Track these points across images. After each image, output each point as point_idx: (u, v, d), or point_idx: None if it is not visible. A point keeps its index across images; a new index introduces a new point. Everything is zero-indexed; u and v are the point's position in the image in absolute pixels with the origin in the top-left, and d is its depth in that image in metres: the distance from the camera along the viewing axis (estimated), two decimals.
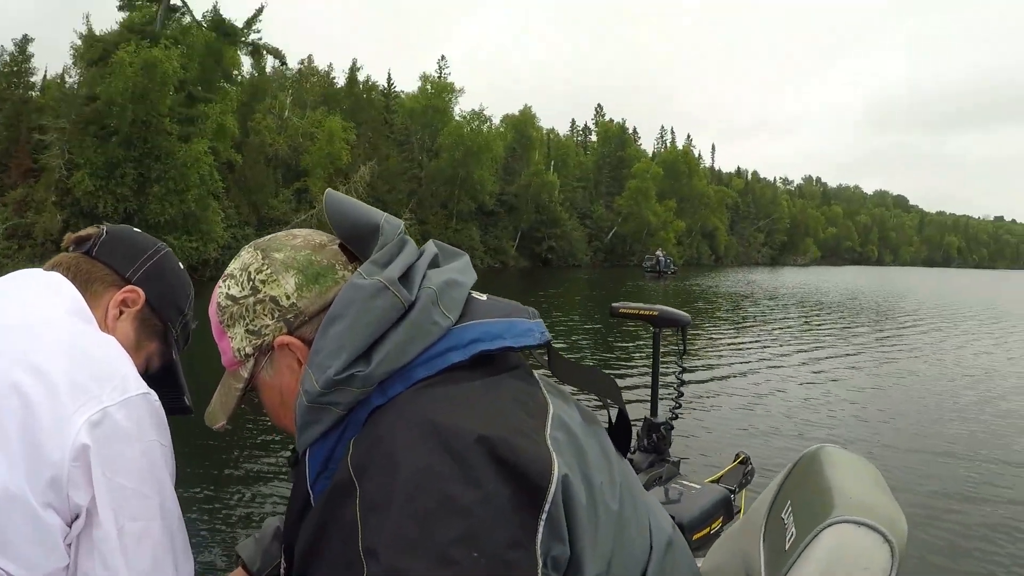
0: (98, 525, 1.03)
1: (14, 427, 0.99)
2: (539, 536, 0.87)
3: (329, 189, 1.21)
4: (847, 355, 15.80)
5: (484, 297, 1.15)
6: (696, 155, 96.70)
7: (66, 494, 1.00)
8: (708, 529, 3.03)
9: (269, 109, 44.63)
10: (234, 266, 1.16)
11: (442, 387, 0.99)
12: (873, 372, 13.89)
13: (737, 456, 4.03)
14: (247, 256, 1.16)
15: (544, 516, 0.88)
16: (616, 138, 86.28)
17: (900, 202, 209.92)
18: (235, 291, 1.13)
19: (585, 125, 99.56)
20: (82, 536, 1.03)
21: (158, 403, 1.16)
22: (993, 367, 14.85)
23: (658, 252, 54.41)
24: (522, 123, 68.30)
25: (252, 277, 1.12)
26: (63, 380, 1.05)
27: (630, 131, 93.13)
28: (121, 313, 1.37)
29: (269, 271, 1.11)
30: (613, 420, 1.25)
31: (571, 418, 1.04)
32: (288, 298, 1.09)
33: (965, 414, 10.43)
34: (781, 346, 17.13)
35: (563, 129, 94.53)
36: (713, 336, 18.52)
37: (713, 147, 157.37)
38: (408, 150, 57.39)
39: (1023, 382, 13.32)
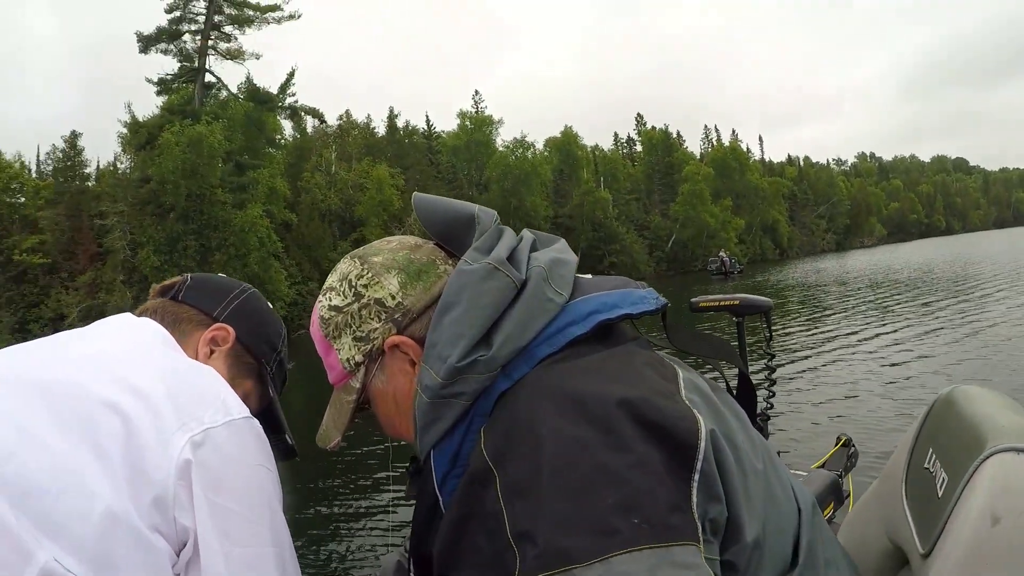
0: (204, 550, 0.96)
1: (116, 447, 0.94)
2: (694, 498, 0.83)
3: (416, 192, 1.21)
4: (932, 330, 15.33)
5: (589, 276, 1.12)
6: (744, 149, 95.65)
7: (172, 516, 0.95)
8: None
9: (316, 167, 45.59)
10: (332, 279, 1.15)
11: (570, 361, 0.96)
12: (963, 343, 13.43)
13: (839, 439, 3.97)
14: (345, 266, 1.14)
15: (697, 476, 0.84)
16: (661, 144, 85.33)
17: (960, 165, 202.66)
18: (337, 301, 1.11)
19: (628, 136, 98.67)
20: (190, 564, 0.96)
21: (261, 429, 1.11)
22: None
23: (721, 253, 53.60)
24: (566, 144, 68.19)
25: (353, 284, 1.10)
26: (163, 400, 1.00)
27: (674, 136, 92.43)
28: (212, 352, 1.33)
29: (370, 275, 1.10)
30: (733, 387, 1.21)
31: (699, 382, 1.01)
32: (393, 298, 1.08)
33: None
34: (861, 329, 16.80)
35: (607, 144, 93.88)
36: (791, 326, 18.27)
37: (760, 139, 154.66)
38: (457, 187, 57.60)
39: None
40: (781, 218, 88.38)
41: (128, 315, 1.29)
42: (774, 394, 3.69)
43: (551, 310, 1.01)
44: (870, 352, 13.36)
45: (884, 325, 16.81)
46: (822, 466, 3.62)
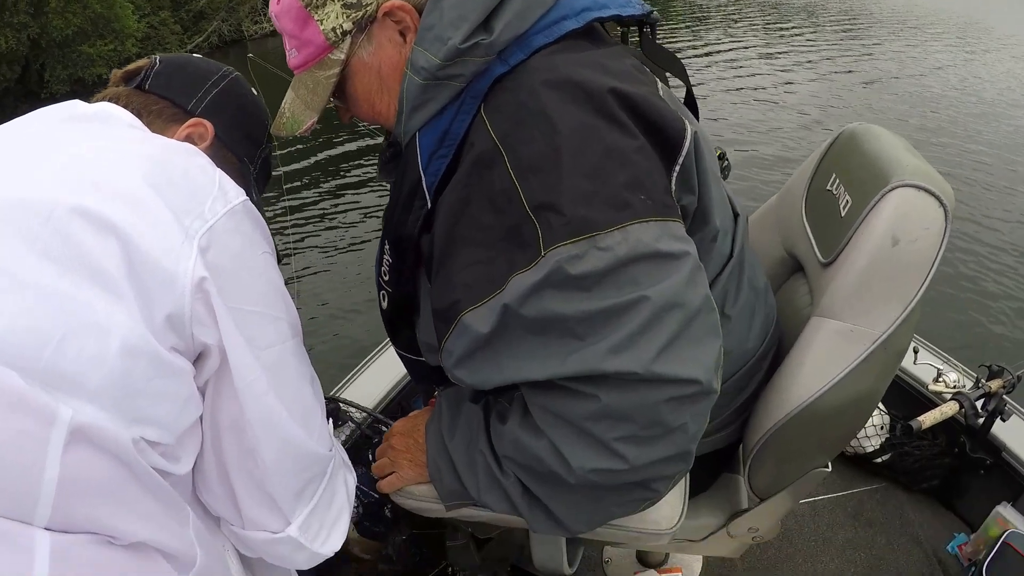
0: (237, 363, 0.89)
1: (117, 270, 0.82)
2: (673, 187, 0.97)
3: None
4: (819, 60, 15.53)
5: None
6: None
7: (190, 333, 0.87)
8: None
9: None
10: None
11: (568, 53, 0.99)
12: (843, 68, 14.03)
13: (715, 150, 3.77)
14: None
15: (678, 168, 0.97)
16: None
17: None
18: None
19: None
20: (218, 377, 0.91)
21: (255, 209, 0.99)
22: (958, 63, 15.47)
23: None
24: None
25: None
26: (158, 205, 0.87)
27: None
28: None
29: None
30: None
31: (671, 93, 1.11)
32: None
33: (946, 103, 11.47)
34: (747, 47, 16.71)
35: None
36: (672, 39, 17.67)
37: None
38: None
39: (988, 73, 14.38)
40: None
41: (78, 104, 1.06)
42: None
43: (547, 2, 1.00)
44: (756, 72, 13.56)
45: (769, 47, 16.80)
46: None
